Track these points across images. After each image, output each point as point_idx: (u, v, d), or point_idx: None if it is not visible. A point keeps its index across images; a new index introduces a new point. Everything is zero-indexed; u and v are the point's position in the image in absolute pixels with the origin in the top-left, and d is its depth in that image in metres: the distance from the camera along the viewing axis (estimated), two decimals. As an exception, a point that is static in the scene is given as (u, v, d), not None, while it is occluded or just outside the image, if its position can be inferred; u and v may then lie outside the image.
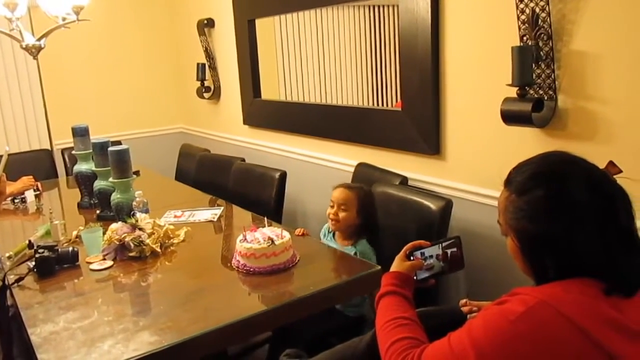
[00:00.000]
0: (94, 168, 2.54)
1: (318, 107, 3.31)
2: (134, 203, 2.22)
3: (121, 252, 1.98)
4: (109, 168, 2.36)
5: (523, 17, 1.82)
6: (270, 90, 3.62)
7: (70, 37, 3.57)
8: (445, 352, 0.96)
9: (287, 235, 1.86)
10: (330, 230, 2.21)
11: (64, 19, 2.67)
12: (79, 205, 2.78)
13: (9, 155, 2.32)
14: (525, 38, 1.83)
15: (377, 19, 4.65)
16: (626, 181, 0.98)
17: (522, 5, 1.81)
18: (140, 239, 1.98)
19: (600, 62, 1.70)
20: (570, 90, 1.79)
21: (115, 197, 2.34)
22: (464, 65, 2.13)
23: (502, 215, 1.03)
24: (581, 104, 1.77)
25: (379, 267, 1.82)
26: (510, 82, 1.83)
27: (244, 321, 1.53)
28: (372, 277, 1.77)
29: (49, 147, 4.00)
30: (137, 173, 2.73)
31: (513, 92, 1.85)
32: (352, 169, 2.69)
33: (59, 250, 1.91)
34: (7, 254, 2.01)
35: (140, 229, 2.02)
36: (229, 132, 3.95)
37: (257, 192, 2.82)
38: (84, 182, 2.72)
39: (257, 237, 1.83)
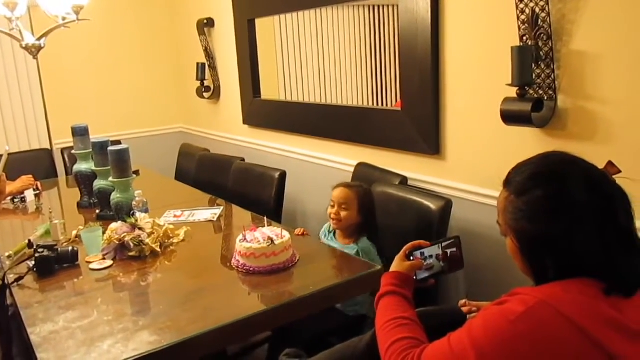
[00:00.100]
0: (93, 168, 2.53)
1: (318, 106, 3.31)
2: (134, 203, 2.22)
3: (121, 252, 1.98)
4: (109, 168, 2.36)
5: (523, 17, 1.82)
6: (270, 90, 3.62)
7: (70, 37, 3.57)
8: (445, 352, 0.96)
9: (286, 235, 1.86)
10: (330, 230, 2.22)
11: (63, 19, 2.67)
12: (79, 205, 2.78)
13: (8, 154, 2.32)
14: (525, 38, 1.83)
15: (377, 19, 4.65)
16: (625, 181, 0.98)
17: (522, 5, 1.82)
18: (140, 239, 1.98)
19: (600, 62, 1.70)
20: (570, 90, 1.79)
21: (115, 196, 2.34)
22: (464, 65, 2.13)
23: (502, 216, 1.03)
24: (581, 104, 1.77)
25: (379, 266, 1.82)
26: (510, 82, 1.83)
27: (244, 321, 1.53)
28: (372, 276, 1.77)
29: (48, 147, 4.00)
30: (136, 173, 2.73)
31: (513, 92, 1.85)
32: (352, 169, 2.69)
33: (59, 249, 1.91)
34: (6, 254, 2.01)
35: (140, 229, 2.02)
36: (229, 132, 3.95)
37: (256, 192, 2.82)
38: (84, 181, 2.72)
39: (256, 237, 1.83)
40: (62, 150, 3.86)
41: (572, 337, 0.86)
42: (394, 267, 1.29)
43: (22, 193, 2.90)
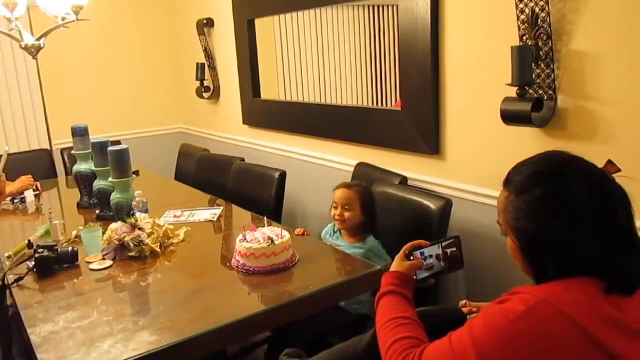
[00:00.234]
0: (93, 168, 2.53)
1: (317, 106, 3.31)
2: (134, 203, 2.22)
3: (120, 252, 1.97)
4: (109, 168, 2.35)
5: (523, 16, 1.82)
6: (270, 89, 3.62)
7: (69, 37, 3.57)
8: (445, 352, 0.96)
9: (286, 234, 1.86)
10: (335, 229, 2.22)
11: (63, 19, 2.67)
12: (79, 205, 2.78)
13: (8, 155, 2.33)
14: (524, 38, 1.83)
15: (376, 19, 4.65)
16: (625, 180, 0.99)
17: (521, 5, 1.82)
18: (140, 239, 1.98)
19: (600, 62, 1.70)
20: (569, 90, 1.79)
21: (114, 196, 2.34)
22: (464, 65, 2.13)
23: (502, 215, 1.03)
24: (581, 104, 1.77)
25: (379, 266, 1.82)
26: (509, 82, 1.83)
27: (243, 321, 1.53)
28: (372, 276, 1.77)
29: (48, 147, 3.99)
30: (136, 173, 2.73)
31: (513, 91, 1.85)
32: (352, 169, 2.69)
33: (59, 250, 1.91)
34: (6, 254, 2.01)
35: (140, 229, 2.02)
36: (229, 132, 3.95)
37: (256, 192, 2.82)
38: (84, 181, 2.72)
39: (256, 237, 1.83)
40: (62, 151, 3.85)
41: (573, 335, 0.86)
42: (393, 266, 1.30)
43: (22, 193, 2.90)
